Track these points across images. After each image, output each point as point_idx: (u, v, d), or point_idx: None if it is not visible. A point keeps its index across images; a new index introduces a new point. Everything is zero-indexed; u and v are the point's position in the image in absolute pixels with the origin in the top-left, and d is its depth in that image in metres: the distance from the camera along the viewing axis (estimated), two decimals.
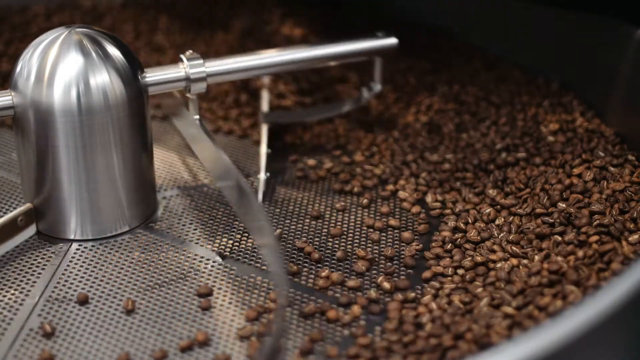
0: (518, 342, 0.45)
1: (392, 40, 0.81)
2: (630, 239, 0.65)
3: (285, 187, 0.78)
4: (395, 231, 0.72)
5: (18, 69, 0.68)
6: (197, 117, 0.74)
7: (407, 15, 1.06)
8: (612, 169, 0.73)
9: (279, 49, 0.79)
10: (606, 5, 0.86)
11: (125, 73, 0.68)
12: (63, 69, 0.66)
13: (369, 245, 0.71)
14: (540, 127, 0.82)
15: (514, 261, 0.65)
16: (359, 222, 0.73)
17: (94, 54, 0.67)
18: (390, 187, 0.77)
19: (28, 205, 0.70)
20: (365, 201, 0.75)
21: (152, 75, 0.71)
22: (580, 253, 0.64)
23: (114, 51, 0.68)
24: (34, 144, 0.68)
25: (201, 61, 0.72)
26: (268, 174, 0.78)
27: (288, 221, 0.74)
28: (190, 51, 0.73)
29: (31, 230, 0.71)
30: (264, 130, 0.83)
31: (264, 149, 0.80)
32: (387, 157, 0.81)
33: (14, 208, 0.74)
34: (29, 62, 0.67)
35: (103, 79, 0.67)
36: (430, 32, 1.04)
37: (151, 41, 1.04)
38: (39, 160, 0.68)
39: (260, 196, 0.76)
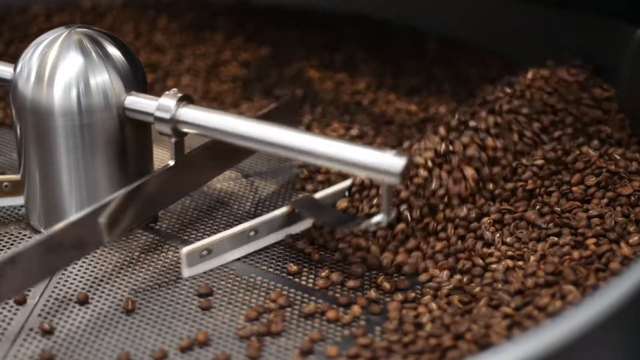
0: (518, 342, 0.45)
1: (396, 164, 0.61)
2: (630, 240, 0.65)
3: (284, 187, 0.78)
4: None
5: (18, 69, 0.68)
6: (171, 163, 0.68)
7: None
8: (621, 172, 0.71)
9: (278, 126, 0.65)
10: (606, 5, 0.86)
11: (125, 73, 0.68)
12: (63, 69, 0.66)
13: None
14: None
15: (509, 262, 0.65)
16: None
17: (94, 54, 0.67)
18: None
19: (18, 176, 0.72)
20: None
21: (132, 99, 0.67)
22: (576, 254, 0.63)
23: (114, 51, 0.68)
24: (34, 144, 0.68)
25: (173, 102, 0.66)
26: (206, 252, 0.67)
27: None
28: (175, 90, 0.67)
29: (17, 201, 0.73)
30: (280, 210, 0.70)
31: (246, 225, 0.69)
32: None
33: (14, 208, 0.74)
34: (29, 62, 0.67)
35: (103, 79, 0.67)
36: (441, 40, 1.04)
37: (151, 41, 1.05)
38: (39, 160, 0.68)
39: (184, 272, 0.66)
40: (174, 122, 0.67)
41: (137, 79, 0.69)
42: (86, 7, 1.12)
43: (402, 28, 1.08)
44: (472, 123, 0.73)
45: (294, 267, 0.67)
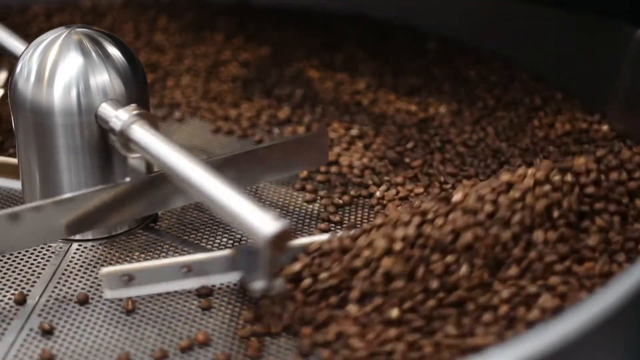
0: (513, 344, 0.45)
1: (265, 229, 0.56)
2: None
3: (284, 187, 0.78)
4: None
5: (18, 69, 0.68)
6: (127, 179, 0.68)
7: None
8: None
9: (193, 163, 0.62)
10: (606, 5, 0.86)
11: (125, 73, 0.68)
12: (63, 69, 0.66)
13: None
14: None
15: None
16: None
17: (94, 54, 0.67)
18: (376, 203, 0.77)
19: None
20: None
21: (103, 106, 0.66)
22: (559, 267, 0.60)
23: (114, 51, 0.68)
24: (34, 144, 0.68)
25: (125, 117, 0.64)
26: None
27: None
28: (135, 105, 0.65)
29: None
30: (222, 252, 0.63)
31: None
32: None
33: None
34: (29, 62, 0.67)
35: (103, 79, 0.67)
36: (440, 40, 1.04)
37: (151, 41, 1.05)
38: (38, 160, 0.68)
39: (105, 293, 0.62)
40: (124, 138, 0.65)
41: (137, 79, 0.69)
42: (86, 7, 1.12)
43: (402, 28, 1.08)
44: (456, 197, 0.63)
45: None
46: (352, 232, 0.63)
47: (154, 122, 0.66)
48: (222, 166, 0.69)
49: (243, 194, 0.59)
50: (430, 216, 0.62)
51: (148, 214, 0.72)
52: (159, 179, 0.69)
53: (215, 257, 0.63)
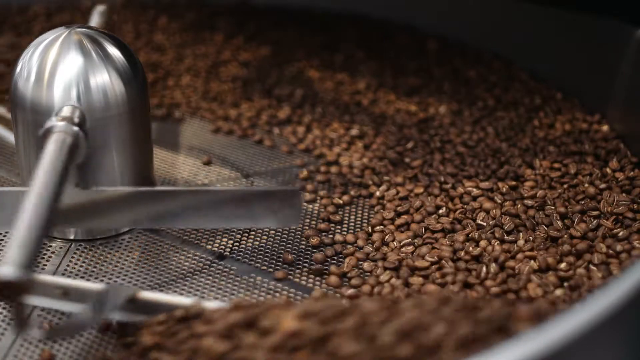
0: (513, 344, 0.45)
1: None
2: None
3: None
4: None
5: (18, 69, 0.68)
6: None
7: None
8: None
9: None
10: (606, 5, 0.86)
11: (125, 73, 0.68)
12: (63, 69, 0.66)
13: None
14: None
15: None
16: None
17: (94, 54, 0.67)
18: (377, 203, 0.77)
19: None
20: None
21: (61, 110, 0.65)
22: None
23: (114, 51, 0.68)
24: (34, 144, 0.68)
25: (50, 124, 0.63)
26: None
27: None
28: (73, 118, 0.64)
29: None
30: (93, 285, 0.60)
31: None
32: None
33: None
34: (29, 62, 0.67)
35: (103, 79, 0.67)
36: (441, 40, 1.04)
37: (151, 41, 1.05)
38: (38, 160, 0.68)
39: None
40: (40, 142, 0.64)
41: (137, 79, 0.69)
42: (86, 7, 1.12)
43: (402, 28, 1.08)
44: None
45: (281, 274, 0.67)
46: (216, 306, 0.57)
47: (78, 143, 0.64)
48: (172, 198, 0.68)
49: (38, 235, 0.55)
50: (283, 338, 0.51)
51: (118, 226, 0.71)
52: (141, 195, 0.68)
53: (89, 287, 0.60)
